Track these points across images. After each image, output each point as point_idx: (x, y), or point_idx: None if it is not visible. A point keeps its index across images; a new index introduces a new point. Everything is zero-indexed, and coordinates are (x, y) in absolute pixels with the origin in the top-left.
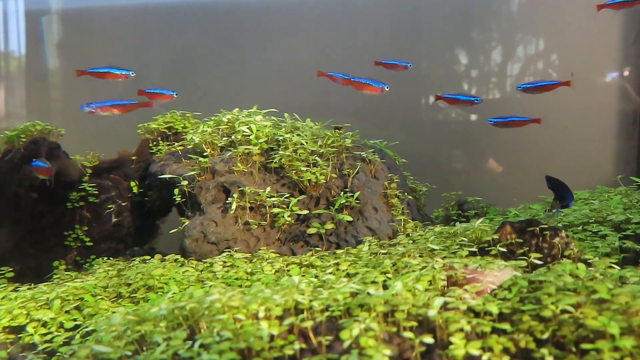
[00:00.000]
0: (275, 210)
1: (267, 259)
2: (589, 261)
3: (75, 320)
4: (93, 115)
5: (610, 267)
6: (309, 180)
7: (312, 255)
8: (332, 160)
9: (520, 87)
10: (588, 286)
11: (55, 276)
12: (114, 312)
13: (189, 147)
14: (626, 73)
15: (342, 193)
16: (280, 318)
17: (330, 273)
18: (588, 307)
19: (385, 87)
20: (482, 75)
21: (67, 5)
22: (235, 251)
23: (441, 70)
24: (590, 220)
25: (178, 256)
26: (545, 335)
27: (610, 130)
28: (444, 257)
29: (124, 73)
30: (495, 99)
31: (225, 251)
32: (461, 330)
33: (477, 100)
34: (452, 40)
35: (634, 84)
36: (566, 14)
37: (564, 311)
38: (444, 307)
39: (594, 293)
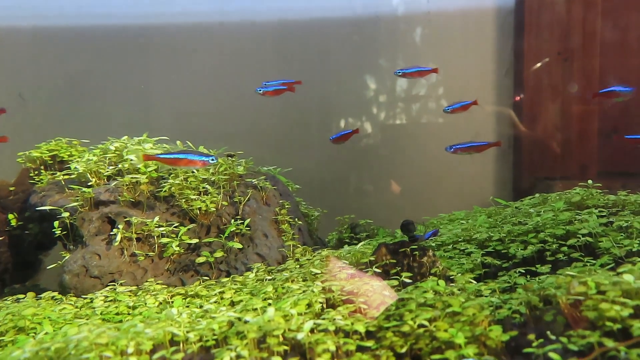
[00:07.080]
0: (164, 240)
1: (152, 292)
2: (452, 277)
3: None
4: None
5: (470, 282)
6: (200, 209)
7: (199, 284)
8: (223, 188)
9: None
10: (444, 301)
11: None
12: None
13: (73, 176)
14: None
15: (233, 220)
16: (153, 352)
17: (214, 302)
18: (442, 320)
19: None
20: (390, 100)
21: None
22: (121, 284)
23: (349, 95)
24: (460, 239)
25: (55, 293)
26: (404, 350)
27: (489, 154)
28: (323, 281)
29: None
30: (403, 123)
31: (109, 285)
32: (328, 350)
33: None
34: (360, 67)
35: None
36: (450, 47)
37: (421, 325)
38: (316, 329)
39: (449, 307)
